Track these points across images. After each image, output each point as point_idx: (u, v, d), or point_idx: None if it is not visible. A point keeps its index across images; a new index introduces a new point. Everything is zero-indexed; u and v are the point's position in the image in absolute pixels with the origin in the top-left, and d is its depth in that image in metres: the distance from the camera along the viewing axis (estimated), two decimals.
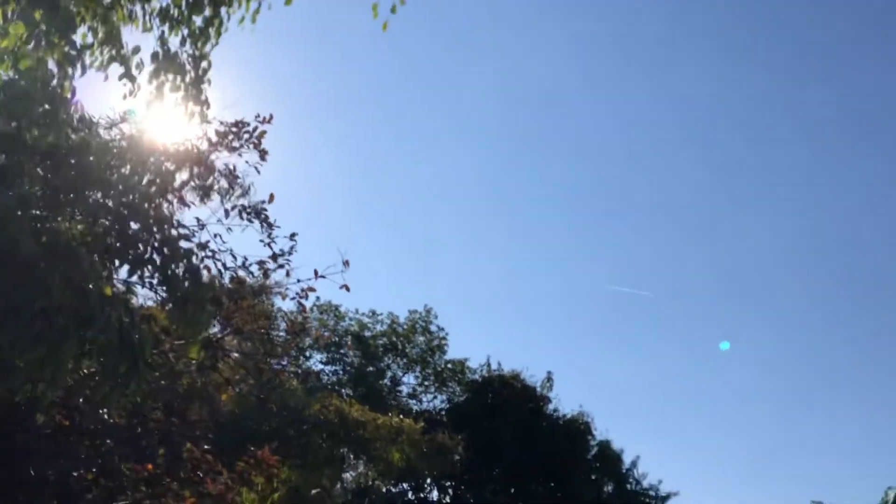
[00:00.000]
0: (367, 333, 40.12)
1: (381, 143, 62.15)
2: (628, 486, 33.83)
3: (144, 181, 7.02)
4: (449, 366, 40.38)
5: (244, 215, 12.18)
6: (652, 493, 33.72)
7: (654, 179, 66.80)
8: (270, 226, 12.21)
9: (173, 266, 5.96)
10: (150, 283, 6.89)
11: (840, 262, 64.65)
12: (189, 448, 10.65)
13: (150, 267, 6.03)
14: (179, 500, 10.56)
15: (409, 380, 40.84)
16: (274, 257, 12.57)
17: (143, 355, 5.60)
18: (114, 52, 5.50)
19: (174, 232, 11.40)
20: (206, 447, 10.77)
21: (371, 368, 38.67)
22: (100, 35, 5.44)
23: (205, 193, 10.90)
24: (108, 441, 10.37)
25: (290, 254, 13.40)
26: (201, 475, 10.57)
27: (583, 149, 64.57)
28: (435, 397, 40.30)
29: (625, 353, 63.58)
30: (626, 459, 34.55)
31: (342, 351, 39.62)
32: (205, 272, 13.11)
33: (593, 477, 33.94)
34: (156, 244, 6.03)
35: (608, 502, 32.85)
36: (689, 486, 66.75)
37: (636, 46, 61.48)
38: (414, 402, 39.68)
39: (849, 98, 60.51)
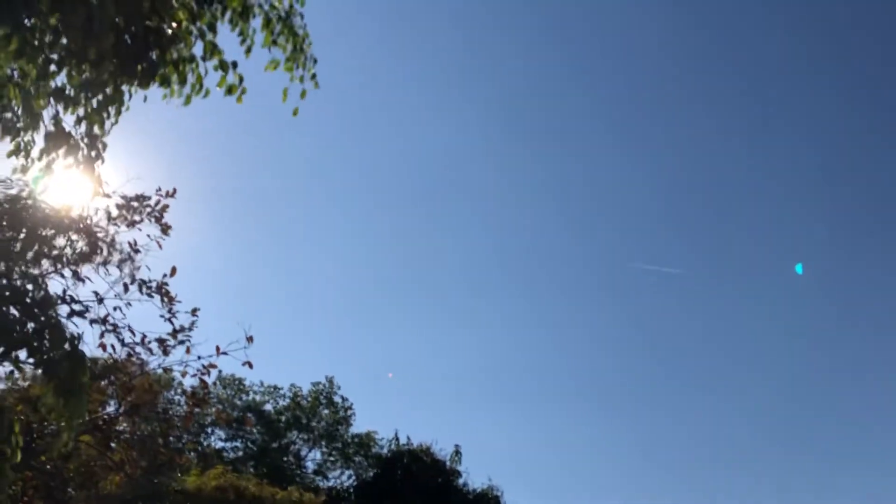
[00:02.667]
0: (270, 407, 39.07)
1: (283, 216, 61.84)
2: None
3: (29, 255, 6.78)
4: (356, 440, 39.62)
5: (144, 290, 11.85)
6: None
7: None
8: (171, 300, 11.91)
9: (53, 352, 5.70)
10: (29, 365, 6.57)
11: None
12: None
13: (27, 350, 5.76)
14: None
15: (316, 455, 39.83)
16: (174, 333, 12.22)
17: (5, 462, 5.30)
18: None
19: (65, 308, 11.03)
20: None
21: (275, 444, 37.50)
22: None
23: (84, 259, 10.62)
24: None
25: (191, 329, 13.06)
26: None
27: (481, 212, 65.87)
28: (342, 472, 39.30)
29: (525, 420, 63.89)
30: None
31: (245, 427, 38.37)
32: (99, 350, 12.64)
33: None
34: (35, 327, 5.78)
35: None
36: None
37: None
38: (320, 478, 38.55)
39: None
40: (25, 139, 5.31)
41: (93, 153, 5.49)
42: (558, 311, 66.71)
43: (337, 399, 40.24)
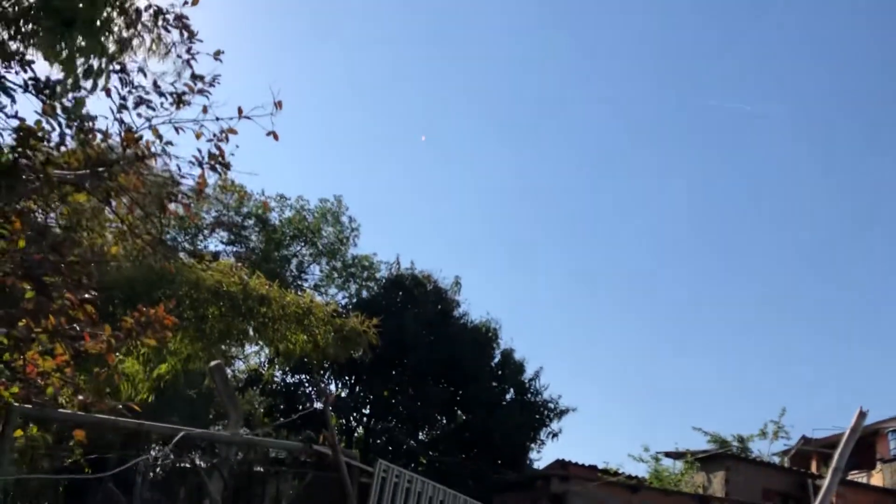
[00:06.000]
0: (275, 217, 37.78)
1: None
2: (528, 395, 33.60)
3: None
4: (357, 260, 38.74)
5: (160, 20, 9.76)
6: (551, 405, 33.64)
7: None
8: (192, 36, 9.84)
9: None
10: None
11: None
12: (65, 295, 8.51)
13: None
14: (46, 357, 8.54)
15: (316, 271, 39.01)
16: (193, 79, 10.28)
17: None
18: None
19: None
20: (85, 296, 8.65)
21: (276, 253, 36.49)
22: None
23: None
24: None
25: (212, 84, 11.06)
26: (78, 329, 8.52)
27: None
28: (340, 291, 38.69)
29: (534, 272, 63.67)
30: (530, 371, 34.29)
31: (245, 233, 37.24)
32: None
33: (494, 384, 33.50)
34: None
35: (507, 408, 32.56)
36: (587, 405, 68.59)
37: None
38: (318, 294, 37.88)
39: None
40: None
41: None
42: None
43: (344, 220, 39.06)
